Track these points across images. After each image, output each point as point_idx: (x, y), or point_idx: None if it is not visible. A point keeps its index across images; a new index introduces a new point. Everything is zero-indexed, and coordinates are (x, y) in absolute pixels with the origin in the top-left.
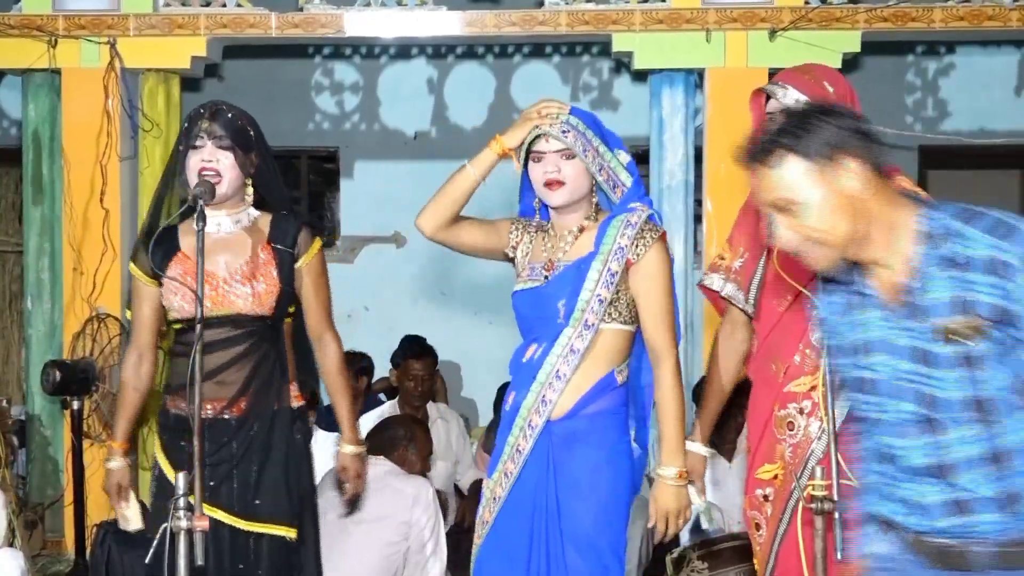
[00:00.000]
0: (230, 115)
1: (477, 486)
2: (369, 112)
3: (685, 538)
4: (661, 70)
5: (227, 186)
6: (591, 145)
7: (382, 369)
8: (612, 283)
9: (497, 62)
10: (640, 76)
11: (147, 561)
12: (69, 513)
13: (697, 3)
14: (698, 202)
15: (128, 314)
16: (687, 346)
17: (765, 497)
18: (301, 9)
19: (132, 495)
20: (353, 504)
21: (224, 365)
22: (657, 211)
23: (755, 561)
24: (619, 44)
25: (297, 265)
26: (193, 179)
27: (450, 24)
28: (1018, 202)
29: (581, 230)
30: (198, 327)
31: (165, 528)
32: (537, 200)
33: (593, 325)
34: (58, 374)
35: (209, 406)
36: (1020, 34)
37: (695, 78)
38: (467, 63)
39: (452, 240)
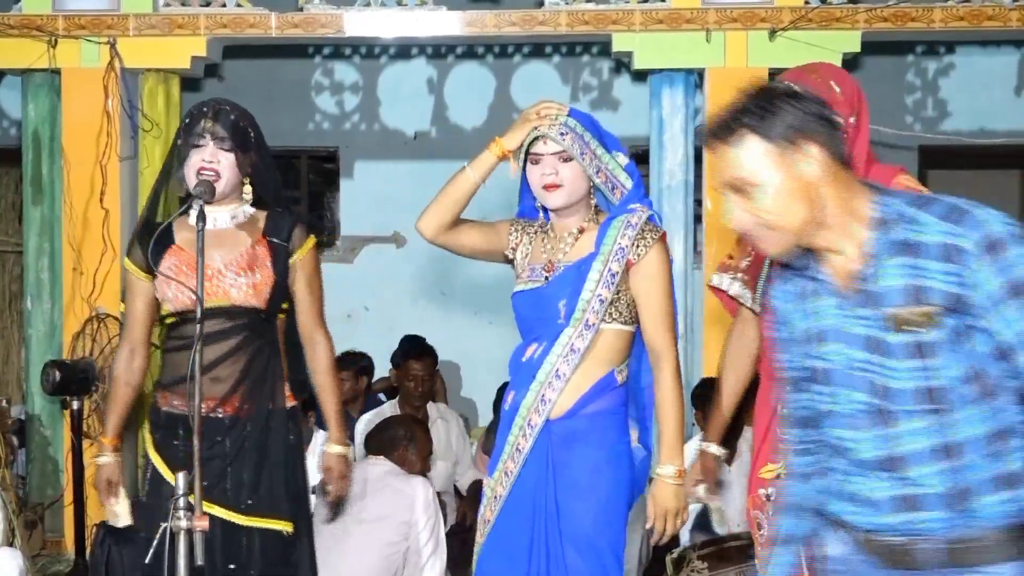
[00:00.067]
0: (233, 116)
1: (476, 487)
2: (369, 112)
3: (685, 538)
4: (661, 70)
5: (225, 185)
6: (588, 148)
7: (382, 369)
8: (613, 283)
9: (497, 62)
10: (640, 76)
11: (147, 561)
12: (69, 513)
13: (697, 3)
14: (698, 202)
15: (122, 307)
16: (687, 346)
17: (768, 497)
18: (301, 9)
19: (122, 491)
20: (336, 508)
21: (218, 360)
22: (657, 212)
23: (756, 561)
24: (619, 44)
25: (291, 260)
26: (191, 177)
27: (450, 24)
28: (1018, 202)
29: (581, 231)
30: (198, 327)
31: (165, 528)
32: (537, 201)
33: (594, 325)
34: (58, 374)
35: (202, 404)
36: (1020, 34)
37: (695, 78)
38: (467, 63)
39: (453, 243)
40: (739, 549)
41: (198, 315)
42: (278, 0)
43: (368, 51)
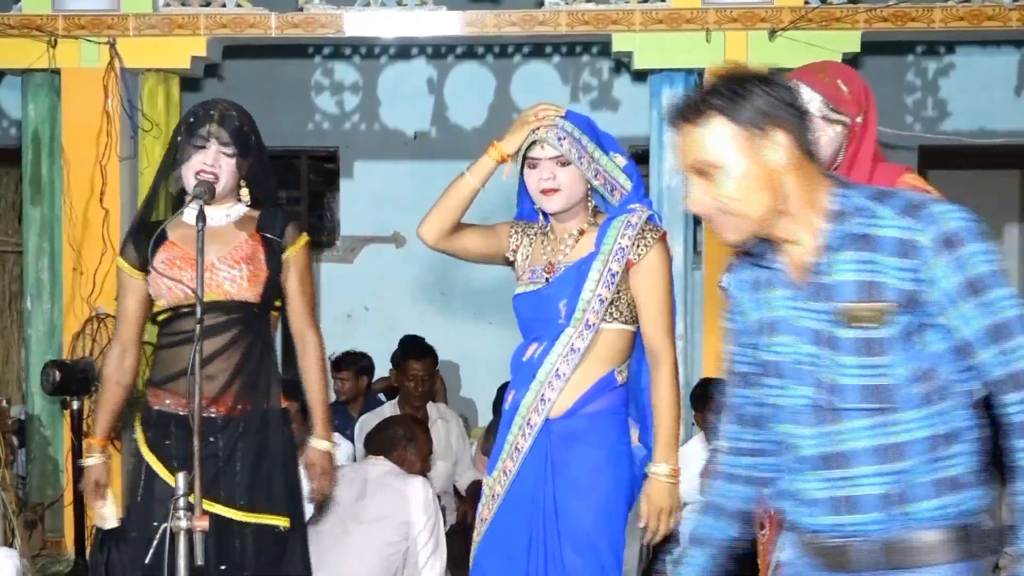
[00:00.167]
0: (237, 122)
1: (475, 487)
2: (369, 112)
3: (685, 538)
4: (661, 70)
5: (223, 188)
6: (586, 151)
7: (382, 369)
8: (613, 283)
9: (497, 62)
10: (640, 76)
11: (147, 561)
12: (69, 513)
13: (697, 3)
14: None
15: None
16: (687, 346)
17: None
18: (301, 9)
19: (109, 493)
20: (321, 506)
21: (211, 356)
22: (657, 212)
23: (758, 561)
24: (619, 44)
25: (284, 256)
26: (190, 177)
27: (450, 24)
28: (1018, 202)
29: (581, 233)
30: (197, 327)
31: (165, 528)
32: (536, 204)
33: (594, 325)
34: (58, 374)
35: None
36: (1020, 34)
37: (695, 78)
38: (467, 63)
39: (454, 248)
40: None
41: (198, 313)
42: (278, 0)
43: (368, 51)
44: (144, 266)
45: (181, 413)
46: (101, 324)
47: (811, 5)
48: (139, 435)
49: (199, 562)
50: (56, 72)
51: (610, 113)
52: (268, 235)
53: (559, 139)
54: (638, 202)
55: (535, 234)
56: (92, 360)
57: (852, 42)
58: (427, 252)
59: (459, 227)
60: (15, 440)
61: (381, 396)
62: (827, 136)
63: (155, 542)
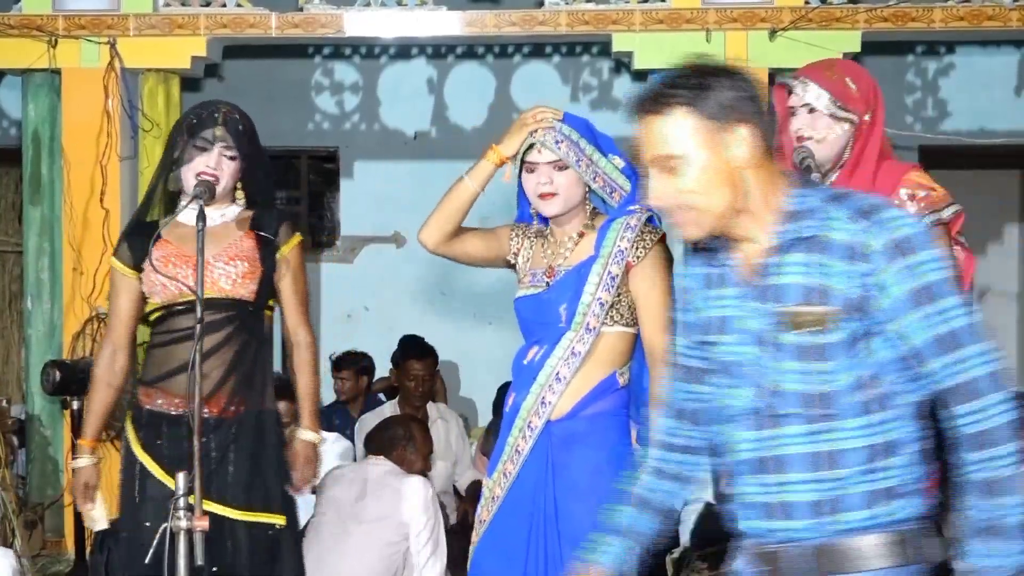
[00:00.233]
0: (241, 127)
1: (475, 487)
2: (369, 112)
3: (685, 538)
4: (661, 70)
5: (222, 188)
6: (584, 154)
7: (382, 369)
8: (613, 286)
9: (497, 62)
10: (640, 76)
11: (147, 561)
12: (69, 513)
13: (697, 3)
14: None
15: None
16: None
17: None
18: (301, 9)
19: (99, 494)
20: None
21: (204, 353)
22: (656, 212)
23: None
24: (619, 44)
25: (278, 254)
26: (190, 178)
27: (450, 24)
28: (1018, 202)
29: (581, 235)
30: (198, 326)
31: (165, 528)
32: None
33: (594, 328)
34: (58, 374)
35: (183, 402)
36: (1020, 34)
37: None
38: (467, 63)
39: (455, 252)
40: None
41: (198, 312)
42: (278, 0)
43: (368, 51)
44: (138, 265)
45: (173, 412)
46: (101, 324)
47: (811, 5)
48: (131, 435)
49: (199, 562)
50: (56, 72)
51: (610, 113)
52: (262, 233)
53: (556, 143)
54: (637, 203)
55: (535, 236)
56: (92, 360)
57: (852, 42)
58: (427, 252)
59: (460, 231)
60: (15, 440)
61: (381, 396)
62: (834, 134)
63: (155, 542)
